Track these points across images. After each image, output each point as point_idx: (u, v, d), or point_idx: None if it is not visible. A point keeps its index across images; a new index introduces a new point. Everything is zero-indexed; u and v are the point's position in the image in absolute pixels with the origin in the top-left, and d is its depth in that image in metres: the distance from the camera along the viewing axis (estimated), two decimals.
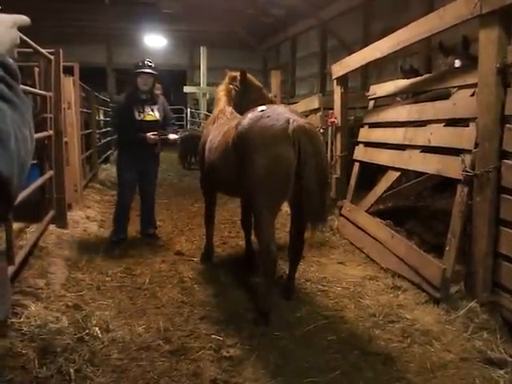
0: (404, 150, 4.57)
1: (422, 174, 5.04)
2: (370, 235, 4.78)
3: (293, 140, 3.13)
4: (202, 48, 16.69)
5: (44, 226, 4.67)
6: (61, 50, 5.22)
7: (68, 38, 16.03)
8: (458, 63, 4.82)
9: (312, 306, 3.61)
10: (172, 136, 5.11)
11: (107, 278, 4.14)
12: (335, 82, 5.95)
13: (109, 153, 12.49)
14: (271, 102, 4.57)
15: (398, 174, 4.75)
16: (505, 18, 3.13)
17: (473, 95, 3.66)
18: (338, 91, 5.91)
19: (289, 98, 12.41)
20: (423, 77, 4.96)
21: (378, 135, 5.25)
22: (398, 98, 5.86)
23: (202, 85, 16.59)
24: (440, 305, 3.44)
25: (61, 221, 5.16)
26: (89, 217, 6.16)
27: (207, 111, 15.17)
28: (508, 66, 3.14)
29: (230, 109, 4.35)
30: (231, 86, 4.54)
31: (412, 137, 4.40)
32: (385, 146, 5.04)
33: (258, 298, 3.56)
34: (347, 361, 2.81)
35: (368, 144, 5.44)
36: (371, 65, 7.53)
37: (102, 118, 12.34)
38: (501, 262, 3.23)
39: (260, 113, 3.38)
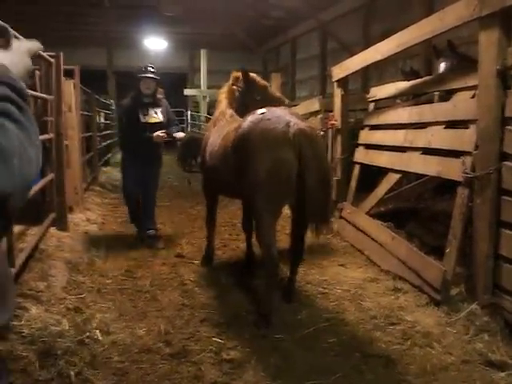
0: (404, 151, 4.58)
1: (422, 175, 5.04)
2: (370, 237, 4.78)
3: (293, 143, 3.13)
4: (202, 50, 16.72)
5: (44, 229, 4.67)
6: (61, 53, 5.25)
7: (68, 41, 16.07)
8: (442, 66, 4.97)
9: (312, 308, 3.61)
10: (179, 134, 5.31)
11: (108, 281, 4.14)
12: (335, 84, 5.95)
13: (109, 155, 12.50)
14: (280, 102, 4.35)
15: (398, 176, 4.75)
16: (505, 19, 3.13)
17: (473, 97, 3.67)
18: (338, 93, 5.92)
19: (289, 100, 12.42)
20: (423, 79, 4.97)
21: (379, 137, 5.25)
22: (399, 100, 5.87)
23: (202, 87, 16.61)
24: (441, 307, 3.44)
25: (61, 223, 5.17)
26: (89, 219, 6.16)
27: (208, 114, 15.18)
28: (508, 67, 3.14)
29: (230, 111, 4.33)
30: (234, 87, 4.49)
31: (412, 139, 4.41)
32: (385, 148, 5.05)
33: (259, 300, 3.55)
34: (348, 363, 2.80)
35: (368, 146, 5.45)
36: (372, 67, 7.53)
37: (102, 120, 12.35)
38: (501, 263, 3.23)
39: (260, 116, 3.37)
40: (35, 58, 1.07)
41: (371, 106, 5.73)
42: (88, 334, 3.03)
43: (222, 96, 4.52)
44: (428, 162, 4.13)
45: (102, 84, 18.62)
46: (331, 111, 6.12)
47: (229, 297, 3.82)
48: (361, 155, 5.57)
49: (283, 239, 4.82)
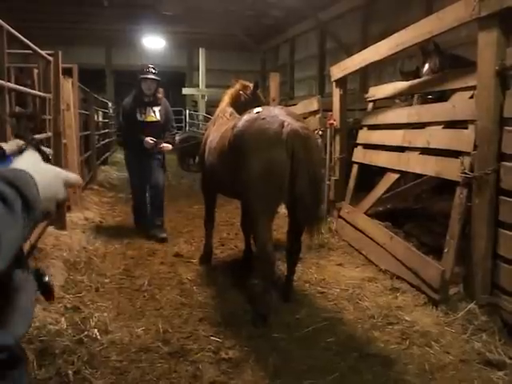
0: (403, 151, 4.58)
1: (420, 175, 5.04)
2: (368, 237, 4.78)
3: (286, 144, 3.11)
4: (200, 50, 16.71)
5: (42, 228, 4.66)
6: (60, 52, 5.23)
7: (67, 40, 16.06)
8: (426, 67, 5.02)
9: (311, 307, 3.61)
10: (166, 146, 5.52)
11: (106, 280, 4.14)
12: (334, 83, 5.95)
13: (108, 154, 12.48)
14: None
15: (396, 175, 4.75)
16: (504, 20, 3.13)
17: (472, 97, 3.67)
18: (336, 93, 5.92)
19: (288, 99, 12.42)
20: (422, 79, 4.97)
21: (377, 137, 5.26)
22: (397, 100, 5.87)
23: (200, 86, 16.59)
24: (439, 306, 3.44)
25: (59, 222, 5.16)
26: (87, 218, 6.15)
27: (206, 113, 15.17)
28: (507, 68, 3.14)
29: (230, 109, 4.35)
30: (241, 92, 4.58)
31: (411, 139, 4.41)
32: (384, 147, 5.05)
33: (255, 299, 3.51)
34: (346, 362, 2.80)
35: (367, 146, 5.45)
36: (370, 67, 7.53)
37: (100, 119, 12.34)
38: (500, 263, 3.23)
39: (256, 115, 3.37)
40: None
41: (370, 105, 5.73)
42: (86, 332, 3.03)
43: (227, 96, 4.56)
44: (426, 162, 4.13)
45: (100, 83, 18.61)
46: (330, 111, 6.11)
47: (227, 296, 3.82)
48: (359, 155, 5.57)
49: (280, 238, 4.82)
